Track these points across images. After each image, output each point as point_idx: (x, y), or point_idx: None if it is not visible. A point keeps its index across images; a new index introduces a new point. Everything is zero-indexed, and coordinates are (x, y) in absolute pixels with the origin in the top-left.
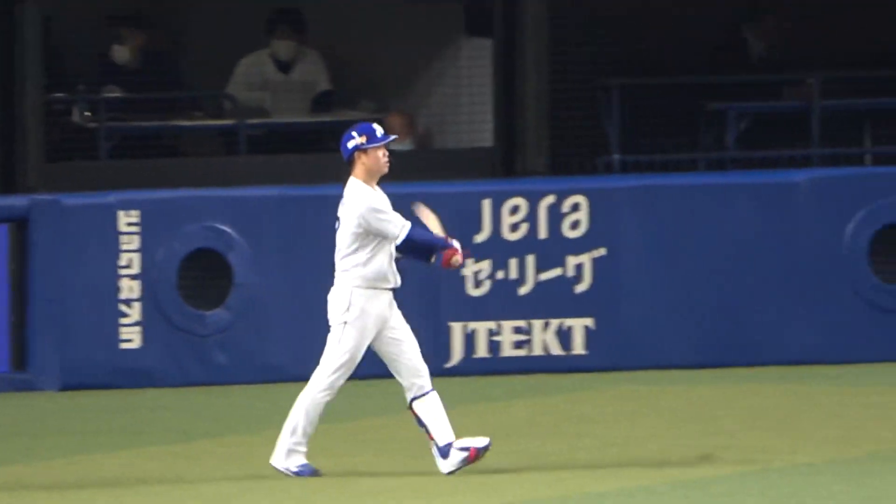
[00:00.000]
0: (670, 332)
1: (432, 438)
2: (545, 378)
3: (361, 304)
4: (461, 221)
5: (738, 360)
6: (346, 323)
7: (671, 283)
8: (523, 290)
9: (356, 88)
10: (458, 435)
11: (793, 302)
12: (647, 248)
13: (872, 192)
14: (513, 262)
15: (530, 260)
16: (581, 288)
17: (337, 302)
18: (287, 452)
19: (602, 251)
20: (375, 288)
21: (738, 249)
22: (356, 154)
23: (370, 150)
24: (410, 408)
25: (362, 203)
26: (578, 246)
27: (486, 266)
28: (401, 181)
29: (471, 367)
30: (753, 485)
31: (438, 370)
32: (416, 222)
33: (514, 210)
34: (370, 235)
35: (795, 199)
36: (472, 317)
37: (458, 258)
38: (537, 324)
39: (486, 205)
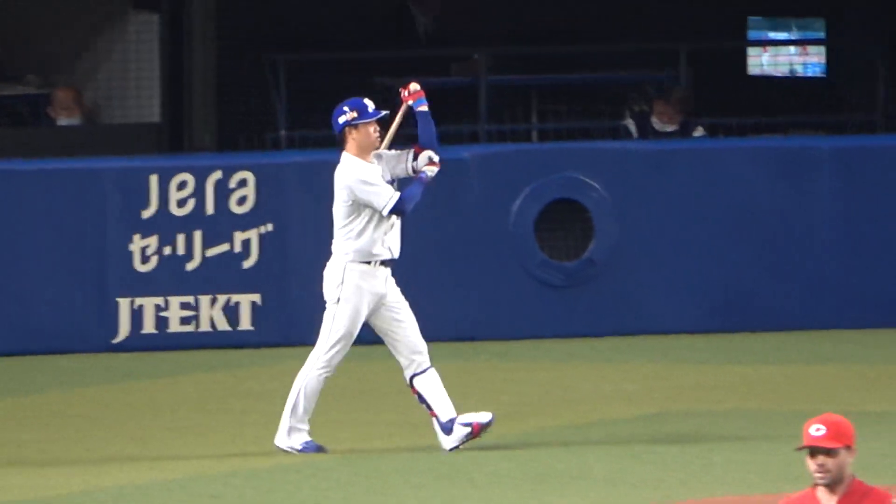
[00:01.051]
0: None
1: (434, 415)
2: (212, 354)
3: (355, 279)
4: (128, 197)
5: None
6: (339, 299)
7: None
8: (190, 266)
9: (22, 63)
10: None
11: (460, 278)
12: (314, 224)
13: (539, 169)
14: (180, 238)
15: (197, 236)
16: (248, 264)
17: (331, 278)
18: (289, 431)
19: (269, 227)
20: (369, 262)
21: (405, 225)
22: (347, 129)
23: (360, 125)
24: (411, 385)
25: (351, 174)
26: (245, 222)
27: (153, 242)
28: (68, 156)
29: (138, 343)
30: (420, 460)
31: (105, 345)
32: (404, 188)
33: (182, 186)
34: (361, 208)
35: (463, 175)
36: (139, 292)
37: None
38: (204, 299)
39: (154, 180)
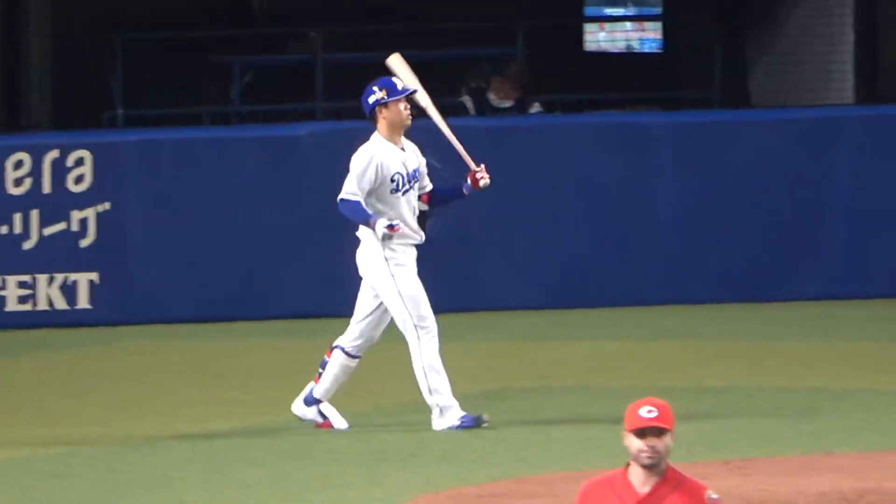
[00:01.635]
0: (176, 286)
1: (316, 382)
2: (51, 333)
3: (398, 258)
4: None
5: (245, 315)
6: (393, 276)
7: (177, 237)
8: (27, 245)
9: None
10: None
11: (298, 255)
12: (152, 203)
13: None
14: (17, 217)
15: (34, 215)
16: (85, 242)
17: (374, 261)
18: (441, 412)
19: (107, 206)
20: (405, 243)
21: (244, 203)
22: (377, 109)
23: (391, 103)
24: (332, 348)
25: (359, 151)
26: (83, 200)
27: None
28: None
29: None
30: (258, 438)
31: None
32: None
33: (18, 165)
34: (380, 193)
35: (299, 152)
36: None
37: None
38: (42, 278)
39: None
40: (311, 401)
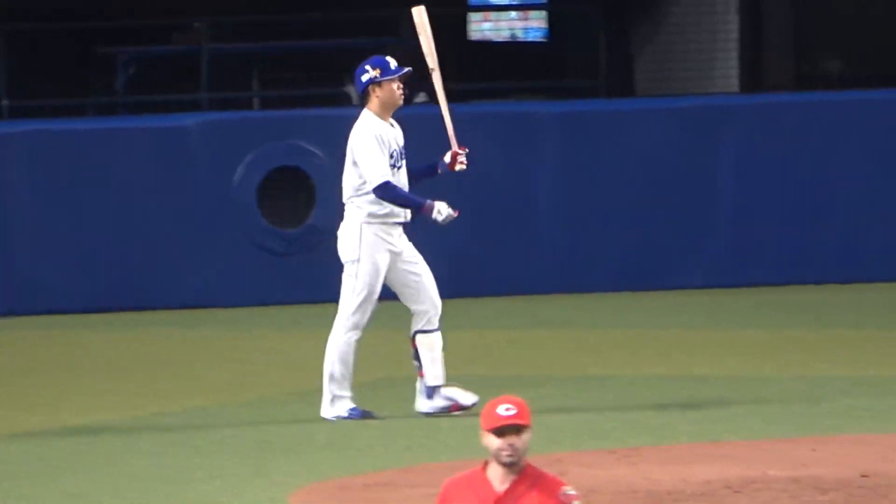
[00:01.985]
0: (62, 277)
1: (422, 375)
2: None
3: (371, 238)
4: None
5: (132, 305)
6: (359, 259)
7: (63, 228)
8: None
9: None
10: None
11: (186, 246)
12: (38, 194)
13: (261, 136)
14: None
15: None
16: None
17: (347, 238)
18: (332, 400)
19: None
20: (385, 223)
21: (130, 193)
22: (370, 87)
23: (384, 82)
24: (413, 339)
25: (360, 132)
26: None
27: None
28: None
29: None
30: (144, 429)
31: None
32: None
33: None
34: None
35: (186, 142)
36: None
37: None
38: None
39: None
40: (430, 393)
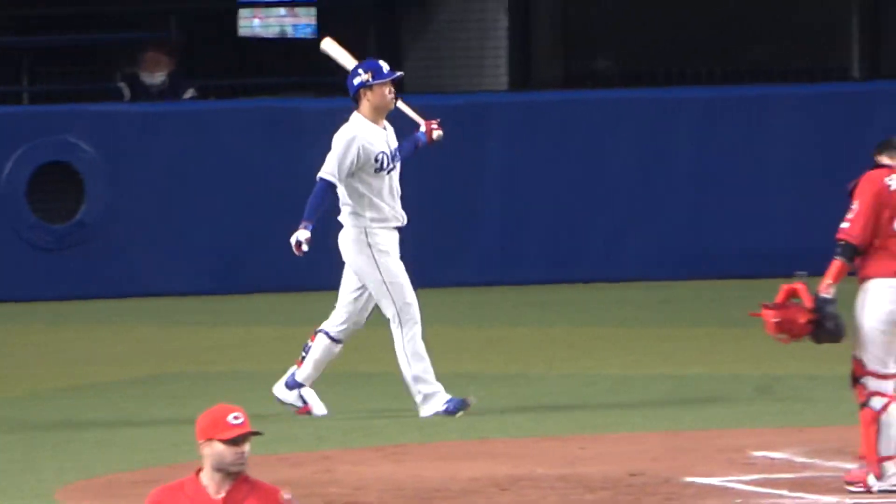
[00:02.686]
0: None
1: (298, 365)
2: None
3: (379, 238)
4: None
5: None
6: (376, 261)
7: None
8: None
9: None
10: None
11: None
12: None
13: (30, 131)
14: None
15: None
16: None
17: (357, 247)
18: (424, 399)
19: None
20: (387, 226)
21: None
22: (361, 91)
23: (375, 86)
24: (316, 332)
25: (339, 132)
26: None
27: None
28: None
29: None
30: None
31: None
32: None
33: None
34: (363, 173)
35: None
36: None
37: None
38: None
39: None
40: (292, 384)
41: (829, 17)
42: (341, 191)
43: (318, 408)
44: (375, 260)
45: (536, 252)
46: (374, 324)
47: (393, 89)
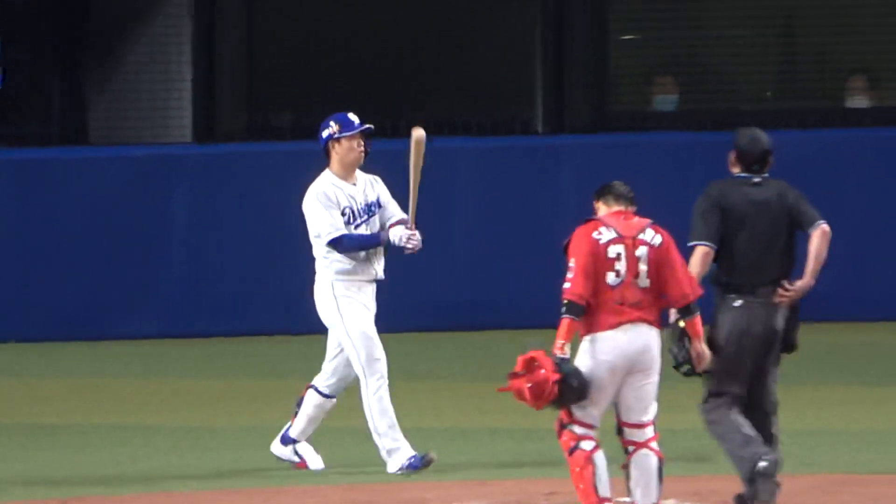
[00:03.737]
0: None
1: (292, 421)
2: None
3: (346, 293)
4: None
5: None
6: (341, 317)
7: None
8: None
9: None
10: None
11: None
12: None
13: None
14: None
15: None
16: None
17: (323, 301)
18: (388, 454)
19: None
20: (354, 280)
21: None
22: (330, 144)
23: (343, 139)
24: (307, 387)
25: (308, 194)
26: None
27: None
28: None
29: None
30: None
31: None
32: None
33: None
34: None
35: None
36: None
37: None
38: None
39: None
40: (287, 440)
41: (514, 72)
42: (314, 244)
43: (315, 462)
44: (340, 313)
45: (221, 304)
46: (66, 374)
47: (362, 142)
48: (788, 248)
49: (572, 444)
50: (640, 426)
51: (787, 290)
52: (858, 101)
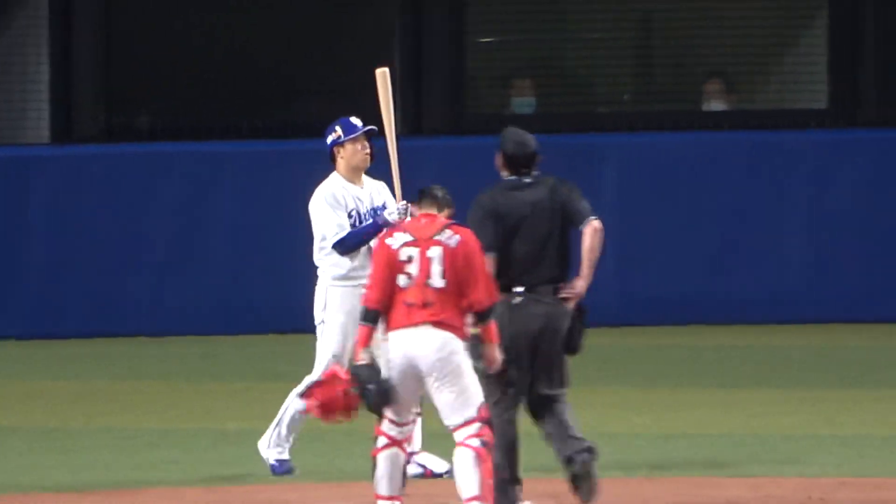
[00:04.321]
0: None
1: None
2: None
3: (338, 301)
4: None
5: None
6: (323, 322)
7: None
8: None
9: None
10: None
11: None
12: None
13: None
14: None
15: None
16: None
17: (316, 300)
18: (269, 443)
19: None
20: (348, 285)
21: None
22: (335, 149)
23: (347, 142)
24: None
25: (316, 194)
26: None
27: None
28: None
29: None
30: None
31: None
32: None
33: None
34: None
35: None
36: None
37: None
38: None
39: None
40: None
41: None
42: (315, 235)
43: (438, 465)
44: (325, 322)
45: (78, 305)
46: None
47: (367, 145)
48: (564, 246)
49: (375, 435)
50: (457, 428)
51: (567, 290)
52: (715, 104)
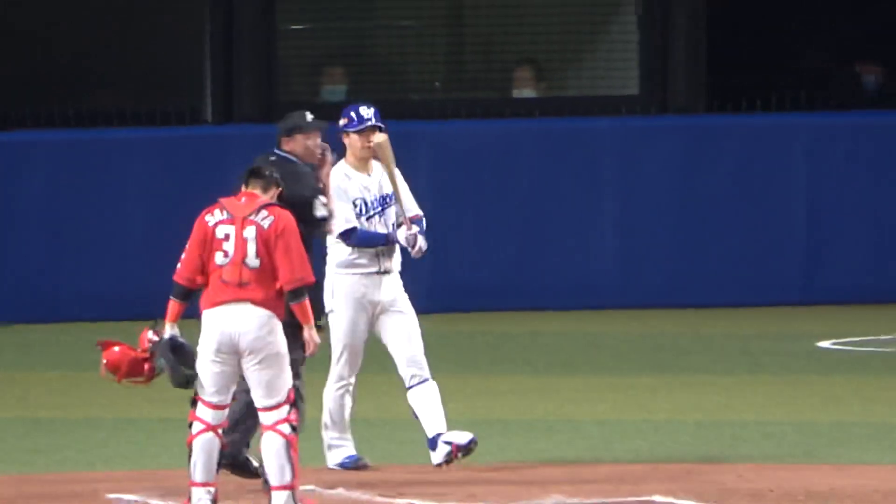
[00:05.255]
0: None
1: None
2: None
3: (344, 289)
4: None
5: None
6: (332, 311)
7: None
8: None
9: None
10: None
11: None
12: None
13: None
14: None
15: None
16: None
17: (325, 287)
18: (328, 448)
19: None
20: (355, 273)
21: None
22: (342, 136)
23: (351, 132)
24: (408, 389)
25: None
26: None
27: None
28: None
29: None
30: None
31: None
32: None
33: None
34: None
35: None
36: None
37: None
38: None
39: None
40: (432, 443)
41: (181, 61)
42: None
43: (460, 437)
44: (334, 311)
45: None
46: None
47: (371, 139)
48: None
49: (189, 421)
50: (266, 410)
51: None
52: (526, 92)
